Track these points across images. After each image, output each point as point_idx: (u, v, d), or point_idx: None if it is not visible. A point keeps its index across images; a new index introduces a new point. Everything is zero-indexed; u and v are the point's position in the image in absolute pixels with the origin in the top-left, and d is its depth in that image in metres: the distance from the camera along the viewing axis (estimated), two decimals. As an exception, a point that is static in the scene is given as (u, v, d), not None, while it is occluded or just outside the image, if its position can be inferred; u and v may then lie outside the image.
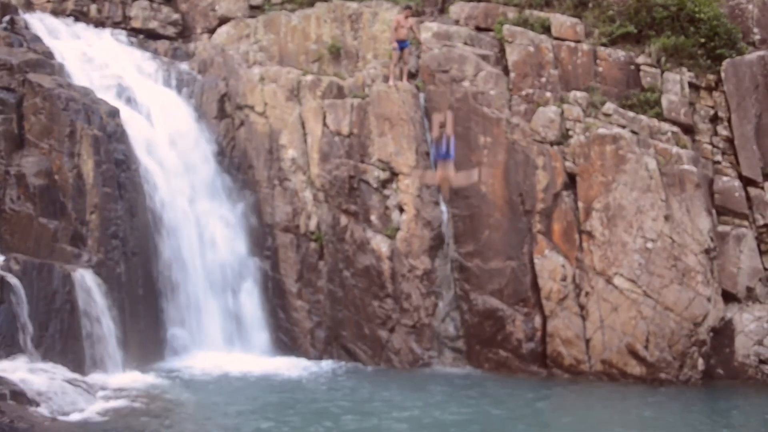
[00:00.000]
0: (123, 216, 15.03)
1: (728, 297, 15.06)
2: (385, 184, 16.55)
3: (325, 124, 17.18)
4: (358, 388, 13.67)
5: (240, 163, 17.77)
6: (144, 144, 16.23)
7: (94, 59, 17.42)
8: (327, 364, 15.82)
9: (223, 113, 18.07)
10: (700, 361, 14.60)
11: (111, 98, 16.31)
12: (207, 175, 17.22)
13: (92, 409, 11.51)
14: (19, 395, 10.92)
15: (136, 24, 19.60)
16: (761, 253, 15.34)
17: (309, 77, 17.68)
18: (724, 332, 14.87)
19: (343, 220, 16.72)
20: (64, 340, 13.11)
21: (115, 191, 14.98)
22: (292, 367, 15.31)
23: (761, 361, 14.68)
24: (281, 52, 18.94)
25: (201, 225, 16.67)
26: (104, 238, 14.55)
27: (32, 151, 14.47)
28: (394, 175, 16.51)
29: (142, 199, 15.65)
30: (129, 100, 16.94)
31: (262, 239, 17.25)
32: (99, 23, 19.23)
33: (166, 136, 16.88)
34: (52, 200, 14.15)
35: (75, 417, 11.12)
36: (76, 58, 17.13)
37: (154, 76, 18.25)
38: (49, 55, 16.44)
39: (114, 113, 15.63)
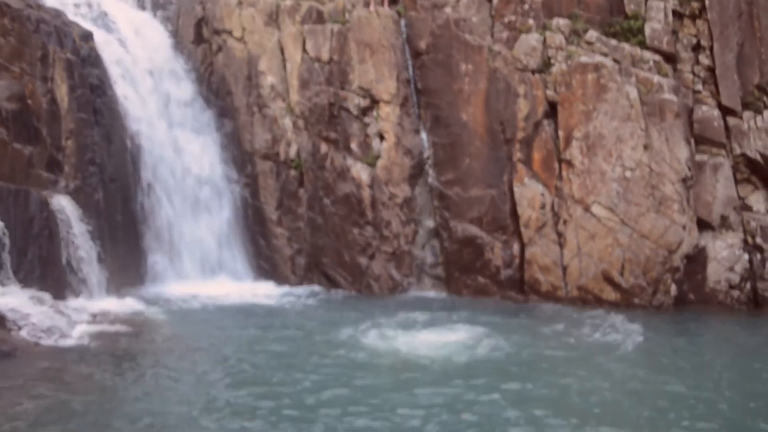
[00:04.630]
0: (99, 142, 14.83)
1: (703, 225, 15.31)
2: (365, 111, 16.41)
3: (304, 50, 16.88)
4: (335, 313, 13.86)
5: (218, 89, 17.49)
6: (119, 69, 15.90)
7: (64, -20, 16.85)
8: (307, 290, 15.99)
9: (200, 38, 17.67)
10: (673, 287, 14.94)
11: (83, 21, 15.87)
12: (184, 102, 16.98)
13: (73, 333, 11.59)
14: (0, 319, 10.96)
15: (107, -57, 18.85)
16: (737, 182, 15.53)
17: (288, 2, 17.26)
18: (697, 259, 15.18)
19: (323, 147, 16.62)
20: (43, 266, 13.09)
21: (91, 117, 14.73)
22: (272, 293, 15.48)
23: (731, 287, 15.05)
24: (259, -26, 18.41)
25: (179, 152, 16.52)
26: (81, 164, 14.38)
27: (3, 75, 14.09)
28: (375, 102, 16.36)
29: (119, 125, 15.43)
30: (102, 23, 16.50)
31: (241, 166, 17.14)
32: (69, -58, 18.49)
33: (142, 61, 16.53)
34: (26, 125, 13.90)
35: (56, 341, 11.20)
36: (46, -22, 16.55)
37: (127, -2, 17.76)
38: (18, -26, 15.85)
39: (87, 36, 15.24)
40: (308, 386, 9.27)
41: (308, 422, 8.09)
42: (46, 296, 12.53)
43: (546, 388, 9.42)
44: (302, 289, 16.03)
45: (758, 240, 15.23)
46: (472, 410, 8.52)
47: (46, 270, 13.11)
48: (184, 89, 17.00)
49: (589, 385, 9.64)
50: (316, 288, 16.26)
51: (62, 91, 14.33)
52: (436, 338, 11.83)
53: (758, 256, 15.18)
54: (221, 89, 17.46)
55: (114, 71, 15.68)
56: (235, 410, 8.47)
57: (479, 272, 15.78)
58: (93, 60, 15.12)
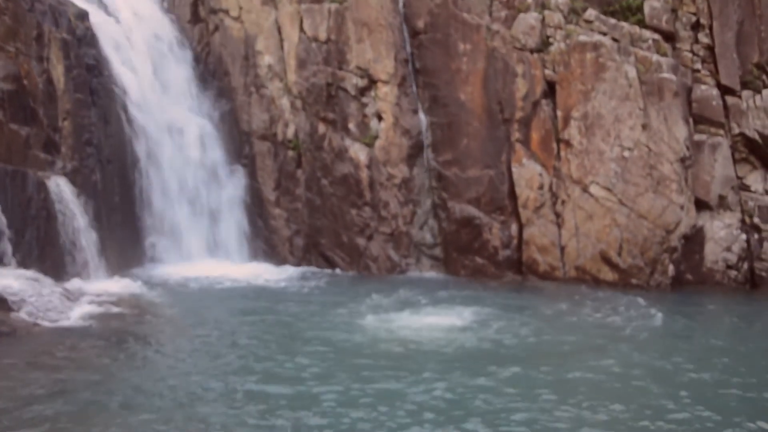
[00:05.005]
0: (96, 123, 14.75)
1: (700, 205, 15.33)
2: (363, 91, 16.34)
3: (302, 30, 16.77)
4: (334, 294, 13.89)
5: (215, 69, 17.40)
6: (115, 49, 15.78)
7: (59, -42, 16.65)
8: (305, 271, 16.00)
9: (197, 17, 17.54)
10: (671, 267, 14.98)
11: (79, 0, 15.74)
12: (181, 82, 16.89)
13: (72, 315, 11.59)
14: (-1, 300, 10.97)
15: None
16: (735, 161, 15.52)
17: (285, -20, 17.11)
18: (694, 239, 15.21)
19: (321, 128, 16.57)
20: (41, 247, 13.08)
21: (88, 97, 14.64)
22: (270, 274, 15.47)
23: (728, 267, 15.10)
24: (255, -47, 18.23)
25: (177, 132, 16.45)
26: (78, 145, 14.32)
27: (-1, 55, 14.00)
28: (373, 82, 16.29)
29: (116, 106, 15.34)
30: (98, 2, 16.35)
31: (239, 147, 17.10)
32: None
33: (138, 41, 16.42)
34: (22, 106, 13.80)
35: (56, 322, 11.21)
36: (40, -43, 16.36)
37: (123, -23, 17.56)
38: (12, -47, 15.68)
39: (83, 15, 15.12)
40: (308, 370, 9.21)
41: (308, 407, 8.07)
42: (45, 277, 12.52)
43: (549, 370, 9.40)
44: (301, 270, 16.04)
45: (756, 220, 15.26)
46: (474, 393, 8.48)
47: (45, 251, 13.10)
48: (182, 70, 16.90)
49: (592, 366, 9.66)
50: (314, 269, 16.27)
51: (58, 72, 14.23)
52: (437, 320, 11.80)
53: (755, 236, 15.22)
54: (218, 69, 17.37)
55: (110, 51, 15.56)
56: (234, 394, 8.47)
57: (477, 253, 15.80)
58: (89, 40, 15.02)
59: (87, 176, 14.37)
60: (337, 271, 16.21)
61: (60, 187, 13.58)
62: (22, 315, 11.09)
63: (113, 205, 14.92)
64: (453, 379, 8.93)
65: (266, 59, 16.95)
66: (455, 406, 8.13)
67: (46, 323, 11.07)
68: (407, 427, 7.58)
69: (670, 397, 8.55)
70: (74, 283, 13.17)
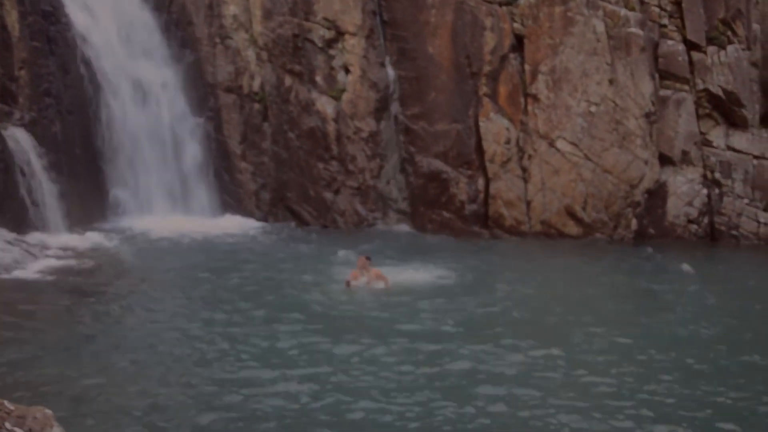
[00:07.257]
0: (55, 72, 14.35)
1: (664, 160, 15.49)
2: (330, 43, 16.09)
3: (267, -21, 16.37)
4: (301, 249, 13.85)
5: (179, 19, 16.94)
6: (74, -4, 15.28)
7: None
8: (272, 225, 15.89)
9: (158, -36, 16.99)
10: (634, 221, 15.19)
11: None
12: (144, 31, 16.41)
13: (34, 267, 11.45)
14: (-44, 253, 10.77)
15: None
16: (698, 117, 15.66)
17: (249, -73, 16.64)
18: (657, 194, 15.41)
19: (288, 80, 16.32)
20: (0, 200, 12.82)
21: (45, 45, 14.21)
22: (236, 228, 15.35)
23: (689, 221, 15.36)
24: None
25: (139, 84, 16.06)
26: (36, 95, 13.94)
27: (-49, 1, 13.49)
28: (340, 34, 16.02)
29: (75, 56, 14.91)
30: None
31: (204, 99, 16.77)
32: None
33: (97, -12, 15.90)
34: (-24, 54, 13.39)
35: (17, 274, 11.07)
36: None
37: None
38: None
39: (38, -40, 14.56)
40: (277, 330, 8.97)
41: (284, 365, 7.95)
42: (4, 231, 12.31)
43: (528, 324, 9.49)
44: (267, 225, 15.92)
45: (717, 175, 15.49)
46: (452, 352, 8.42)
47: (3, 204, 12.85)
48: (144, 19, 16.42)
49: (567, 318, 9.80)
50: (280, 223, 16.16)
51: (12, 18, 13.76)
52: (407, 276, 11.67)
53: (716, 191, 15.46)
54: (182, 19, 16.93)
55: (68, -2, 15.07)
56: (196, 352, 8.34)
57: (444, 207, 15.83)
58: (45, -14, 14.51)
59: (46, 127, 14.03)
60: (304, 225, 16.13)
61: (18, 138, 13.27)
62: (-19, 268, 10.92)
63: (74, 157, 14.62)
64: (427, 336, 8.88)
65: (231, 9, 16.55)
66: (434, 366, 7.93)
67: (5, 276, 10.92)
68: (382, 390, 7.48)
69: (635, 345, 8.75)
70: (35, 237, 12.97)
